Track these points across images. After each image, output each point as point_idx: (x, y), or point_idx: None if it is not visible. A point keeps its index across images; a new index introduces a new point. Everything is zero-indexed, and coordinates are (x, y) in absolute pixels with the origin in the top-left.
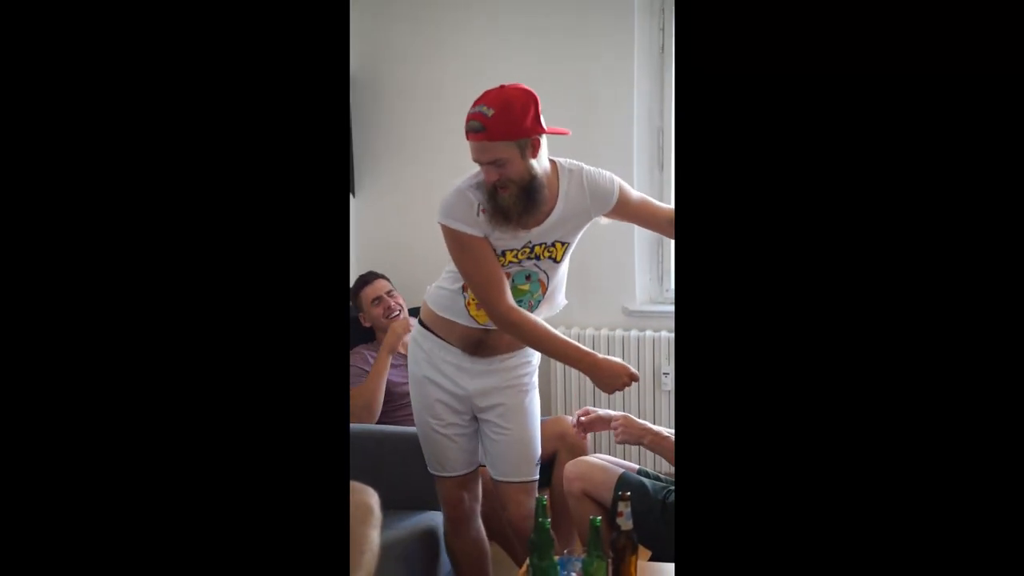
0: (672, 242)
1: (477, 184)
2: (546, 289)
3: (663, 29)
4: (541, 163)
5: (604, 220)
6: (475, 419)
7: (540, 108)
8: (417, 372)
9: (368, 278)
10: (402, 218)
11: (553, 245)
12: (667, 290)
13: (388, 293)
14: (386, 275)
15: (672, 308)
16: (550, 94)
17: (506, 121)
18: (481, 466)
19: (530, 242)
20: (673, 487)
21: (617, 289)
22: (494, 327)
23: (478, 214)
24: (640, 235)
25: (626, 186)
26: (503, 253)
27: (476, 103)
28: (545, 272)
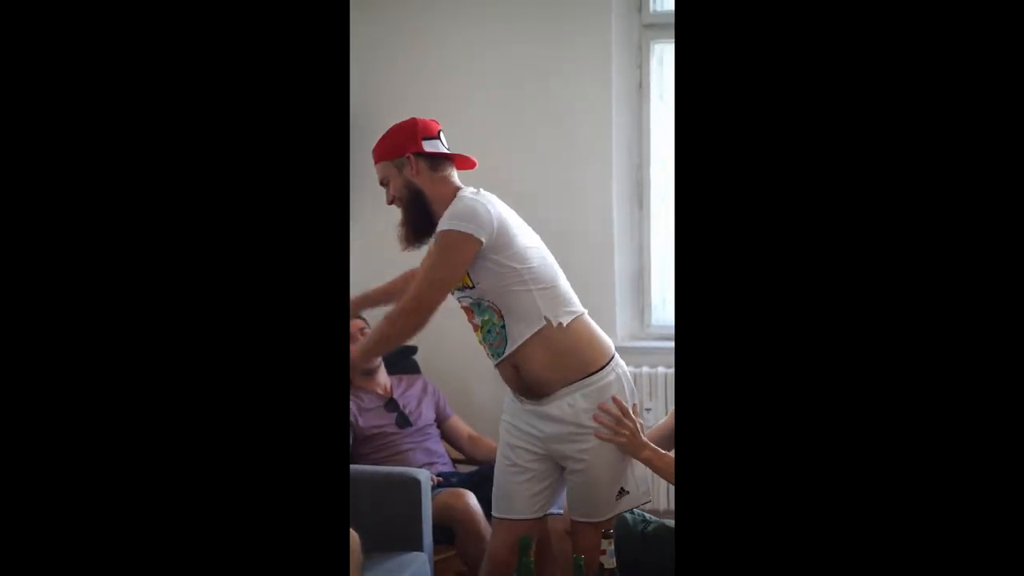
0: (653, 278)
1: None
2: (500, 314)
3: (640, 66)
4: (430, 183)
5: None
6: (549, 459)
7: (430, 133)
8: (503, 415)
9: None
10: (393, 250)
11: None
12: (648, 326)
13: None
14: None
15: (653, 344)
16: (528, 132)
17: (383, 144)
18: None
19: None
20: (649, 519)
21: (598, 325)
22: (507, 354)
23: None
24: (621, 271)
25: (441, 246)
26: None
27: None
28: (485, 299)
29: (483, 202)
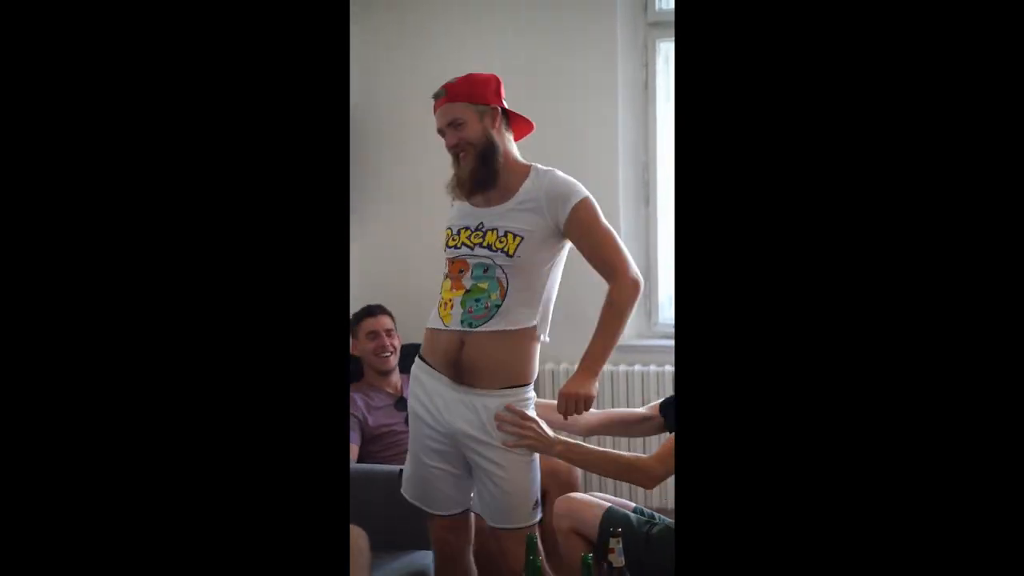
0: (660, 277)
1: None
2: (504, 293)
3: (646, 65)
4: (503, 140)
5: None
6: (460, 455)
7: (503, 96)
8: (412, 406)
9: (374, 310)
10: (393, 250)
11: (505, 235)
12: (655, 324)
13: (387, 332)
14: (390, 313)
15: (660, 342)
16: (535, 132)
17: (467, 85)
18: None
19: (483, 224)
20: (656, 520)
21: None
22: (464, 329)
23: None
24: None
25: (592, 214)
26: (459, 232)
27: None
28: (503, 270)
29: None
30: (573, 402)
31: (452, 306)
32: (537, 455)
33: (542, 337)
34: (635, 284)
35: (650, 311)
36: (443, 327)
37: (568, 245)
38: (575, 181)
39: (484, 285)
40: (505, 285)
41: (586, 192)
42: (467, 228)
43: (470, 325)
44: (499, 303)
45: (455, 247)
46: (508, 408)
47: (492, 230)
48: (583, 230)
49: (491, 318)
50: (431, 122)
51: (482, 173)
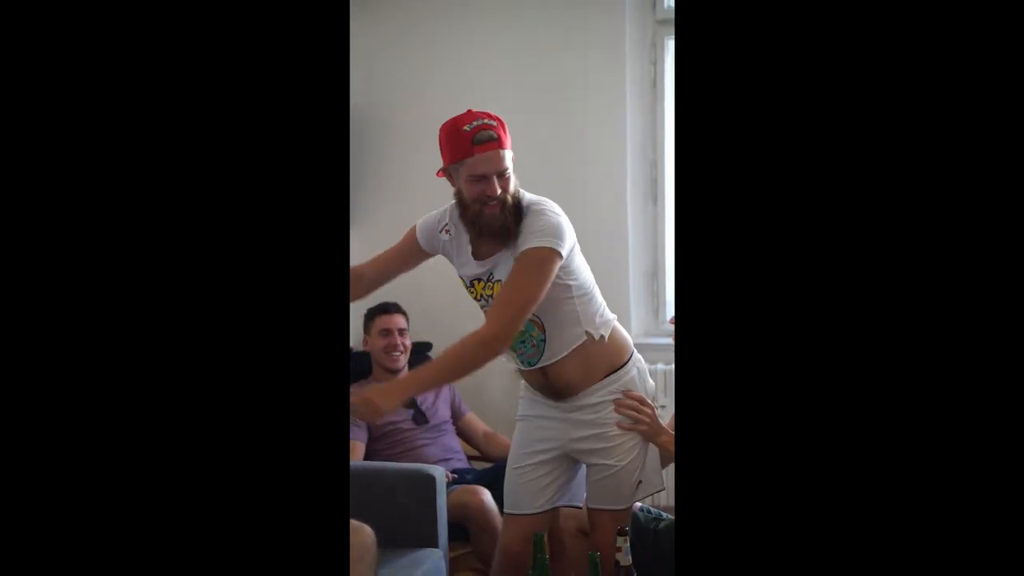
0: (668, 275)
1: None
2: (543, 327)
3: (655, 63)
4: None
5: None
6: (564, 457)
7: None
8: (523, 413)
9: (388, 308)
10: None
11: (498, 281)
12: (662, 322)
13: (400, 331)
14: (404, 311)
15: (668, 340)
16: (543, 130)
17: (504, 130)
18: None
19: (492, 275)
20: (663, 516)
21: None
22: (539, 366)
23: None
24: (635, 267)
25: (534, 262)
26: (472, 284)
27: (471, 116)
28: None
29: (562, 215)
30: (363, 408)
31: (509, 351)
32: (639, 439)
33: (602, 334)
34: (495, 345)
35: (657, 309)
36: (517, 367)
37: (568, 259)
38: (556, 227)
39: (524, 328)
40: (540, 321)
41: (553, 244)
42: (479, 280)
43: (531, 364)
44: (542, 337)
45: (477, 299)
46: (627, 394)
47: (500, 281)
48: (517, 269)
49: (543, 352)
50: (431, 121)
51: (509, 229)
